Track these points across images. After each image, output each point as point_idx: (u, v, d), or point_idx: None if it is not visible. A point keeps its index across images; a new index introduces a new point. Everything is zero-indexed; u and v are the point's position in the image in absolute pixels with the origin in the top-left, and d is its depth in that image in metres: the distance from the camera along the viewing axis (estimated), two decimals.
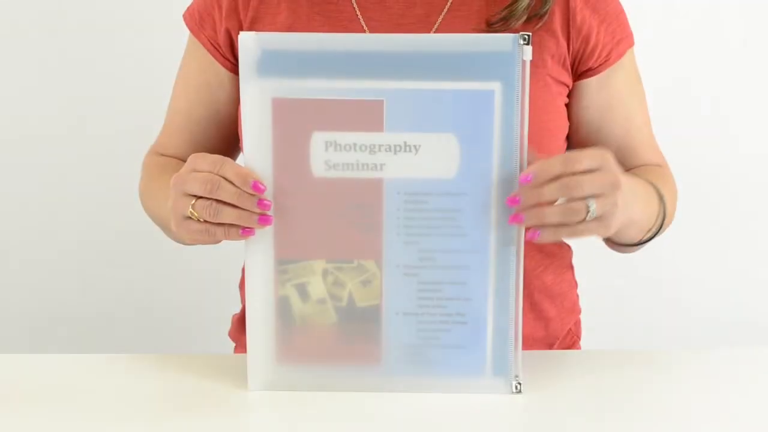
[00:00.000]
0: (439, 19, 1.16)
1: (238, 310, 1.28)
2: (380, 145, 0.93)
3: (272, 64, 0.93)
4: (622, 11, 1.19)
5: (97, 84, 1.92)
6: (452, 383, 0.97)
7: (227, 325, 1.30)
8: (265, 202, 0.94)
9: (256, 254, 0.96)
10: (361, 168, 0.93)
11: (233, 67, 1.21)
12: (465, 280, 0.95)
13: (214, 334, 1.45)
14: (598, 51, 1.16)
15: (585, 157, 0.93)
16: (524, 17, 1.13)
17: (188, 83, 1.24)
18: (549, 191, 0.92)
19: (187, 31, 1.24)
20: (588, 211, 0.92)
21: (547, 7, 1.14)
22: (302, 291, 0.96)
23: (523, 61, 0.92)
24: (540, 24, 1.14)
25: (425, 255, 0.95)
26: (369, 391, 0.96)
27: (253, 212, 0.94)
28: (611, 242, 1.13)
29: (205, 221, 0.95)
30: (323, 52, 0.92)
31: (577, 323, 1.28)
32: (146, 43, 1.89)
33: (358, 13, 1.17)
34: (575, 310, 1.27)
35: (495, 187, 0.93)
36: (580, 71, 1.17)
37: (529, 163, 0.94)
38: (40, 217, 1.96)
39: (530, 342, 1.18)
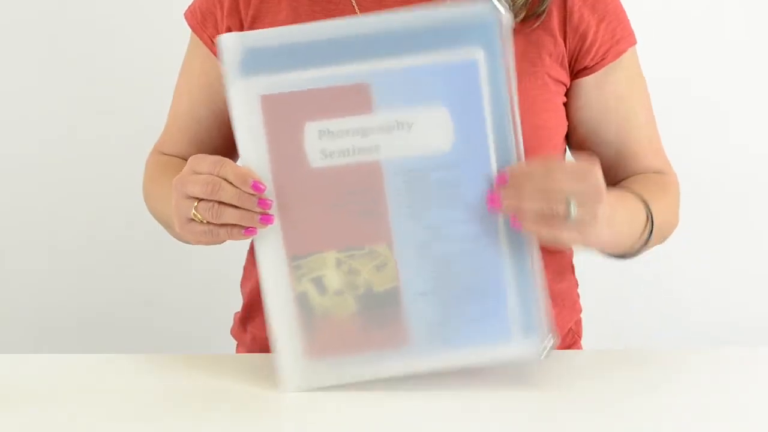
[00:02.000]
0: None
1: (239, 308, 1.28)
2: (372, 128, 0.93)
3: (255, 61, 0.93)
4: (622, 10, 1.19)
5: (98, 84, 1.92)
6: (480, 355, 0.96)
7: (229, 323, 1.30)
8: (266, 201, 0.94)
9: (267, 253, 0.96)
10: (358, 152, 0.93)
11: None
12: (477, 250, 0.94)
13: (216, 333, 1.45)
14: (594, 49, 1.16)
15: (569, 167, 0.93)
16: (522, 14, 1.13)
17: (191, 82, 1.24)
18: (529, 195, 0.92)
19: (188, 31, 1.24)
20: (569, 211, 0.91)
21: (545, 6, 1.14)
22: (319, 284, 0.95)
23: (503, 26, 0.92)
24: (537, 23, 1.14)
25: (433, 230, 0.94)
26: (401, 375, 0.96)
27: (255, 212, 0.94)
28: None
29: (208, 223, 0.95)
30: (303, 42, 0.92)
31: (578, 322, 1.28)
32: (147, 43, 1.89)
33: (359, 12, 1.17)
34: (576, 309, 1.27)
35: (492, 154, 0.93)
36: (577, 69, 1.17)
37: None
38: (40, 216, 1.96)
39: None
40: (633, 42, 1.19)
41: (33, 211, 1.96)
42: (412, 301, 0.95)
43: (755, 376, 1.03)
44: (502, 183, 0.93)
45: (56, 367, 1.07)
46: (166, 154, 1.27)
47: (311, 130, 0.93)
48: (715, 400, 0.96)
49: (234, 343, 1.29)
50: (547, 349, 0.96)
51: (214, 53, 1.21)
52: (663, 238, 1.14)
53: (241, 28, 1.19)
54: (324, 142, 0.93)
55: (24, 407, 0.95)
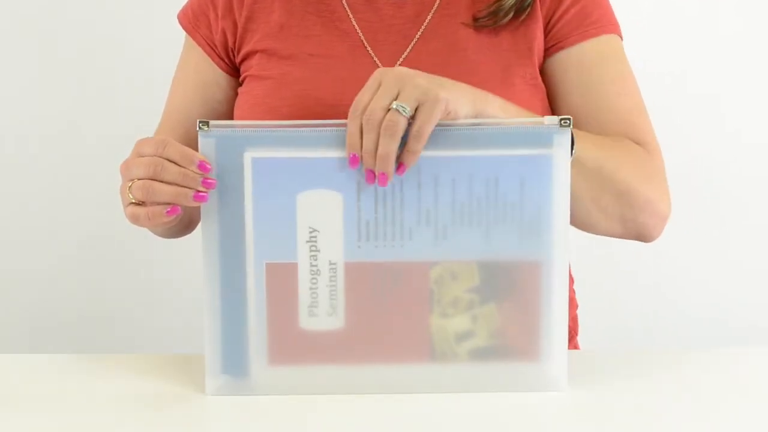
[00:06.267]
0: (428, 18, 1.16)
1: None
2: (312, 265, 0.95)
3: (235, 369, 0.96)
4: (603, 0, 1.19)
5: (98, 84, 1.92)
6: (556, 189, 0.94)
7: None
8: (209, 180, 0.93)
9: (417, 383, 0.96)
10: (336, 280, 0.95)
11: (228, 68, 1.22)
12: (452, 180, 0.93)
13: None
14: (557, 28, 1.16)
15: (361, 96, 0.92)
16: (511, 13, 1.14)
17: (185, 82, 1.25)
18: (367, 141, 0.91)
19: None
20: (400, 110, 0.90)
21: (529, 0, 1.15)
22: (464, 336, 0.96)
23: None
24: (523, 16, 1.15)
25: (422, 219, 0.94)
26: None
27: (189, 188, 0.92)
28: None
29: (144, 203, 0.94)
30: (221, 321, 0.96)
31: (574, 319, 1.28)
32: (145, 43, 1.89)
33: (350, 13, 1.18)
34: (572, 304, 1.27)
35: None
36: (545, 47, 1.17)
37: None
38: (40, 217, 1.96)
39: None
40: (609, 31, 1.18)
41: (33, 212, 1.96)
42: (493, 251, 0.94)
43: (755, 376, 1.02)
44: (356, 163, 0.92)
45: (55, 367, 1.07)
46: None
47: (306, 323, 0.96)
48: (715, 400, 0.96)
49: None
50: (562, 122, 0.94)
51: (208, 54, 1.22)
52: (614, 189, 1.07)
53: (235, 29, 1.20)
54: (320, 312, 0.95)
55: (23, 407, 0.95)
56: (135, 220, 0.96)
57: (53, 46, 1.90)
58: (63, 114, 1.92)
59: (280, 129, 0.93)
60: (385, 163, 0.91)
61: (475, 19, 1.15)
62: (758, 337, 1.97)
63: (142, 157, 0.94)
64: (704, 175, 1.95)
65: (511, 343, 0.96)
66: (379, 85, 0.92)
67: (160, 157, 0.93)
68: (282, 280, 0.95)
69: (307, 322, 0.96)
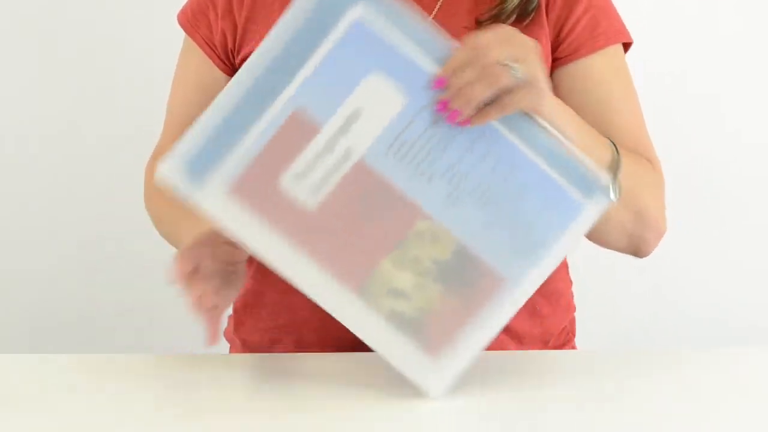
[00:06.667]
0: (429, 19, 1.16)
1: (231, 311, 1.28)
2: (330, 139, 0.91)
3: (199, 168, 0.91)
4: (611, 7, 1.19)
5: (98, 83, 1.92)
6: (568, 236, 0.94)
7: (223, 325, 1.30)
8: None
9: (336, 302, 0.93)
10: (337, 168, 0.92)
11: (228, 69, 1.22)
12: (496, 161, 0.93)
13: None
14: (568, 41, 1.16)
15: (489, 33, 0.90)
16: (513, 16, 1.14)
17: (185, 85, 1.25)
18: (467, 76, 0.89)
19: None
20: (512, 72, 0.88)
21: (533, 5, 1.14)
22: (396, 293, 0.94)
23: None
24: (527, 21, 1.14)
25: (449, 174, 0.92)
26: (512, 314, 0.94)
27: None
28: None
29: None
30: (220, 122, 0.91)
31: (572, 321, 1.28)
32: (145, 43, 1.89)
33: None
34: (570, 308, 1.27)
35: (435, 72, 0.91)
36: (553, 58, 1.17)
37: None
38: (40, 217, 1.96)
39: (525, 339, 1.19)
40: (618, 40, 1.18)
41: (33, 212, 1.96)
42: (479, 244, 0.93)
43: (755, 376, 1.03)
44: (441, 86, 0.90)
45: (55, 367, 1.07)
46: None
47: (287, 181, 0.92)
48: (714, 400, 0.96)
49: (227, 345, 1.29)
50: (612, 188, 0.94)
51: (208, 55, 1.22)
52: (634, 208, 1.09)
53: (235, 30, 1.20)
54: (305, 182, 0.92)
55: (23, 407, 0.95)
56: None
57: (53, 46, 1.90)
58: (63, 114, 1.92)
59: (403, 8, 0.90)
60: (467, 105, 0.89)
61: (477, 22, 1.15)
62: (758, 337, 1.97)
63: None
64: (704, 175, 1.95)
65: (428, 328, 0.94)
66: (507, 41, 0.90)
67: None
68: (295, 133, 0.91)
69: (287, 182, 0.92)
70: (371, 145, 0.92)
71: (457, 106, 0.90)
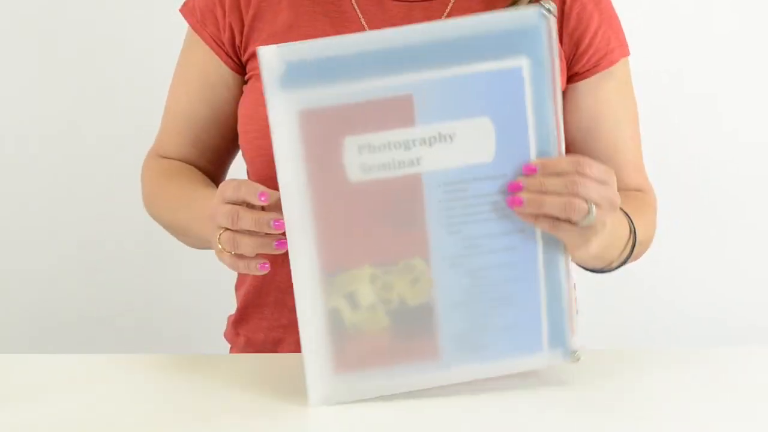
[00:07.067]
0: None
1: (233, 311, 1.28)
2: (414, 140, 0.91)
3: (296, 76, 0.90)
4: (617, 20, 1.20)
5: (98, 84, 1.92)
6: (510, 365, 0.96)
7: (223, 326, 1.30)
8: (279, 222, 0.92)
9: (301, 269, 0.93)
10: (398, 166, 0.91)
11: (236, 66, 1.21)
12: (513, 261, 0.94)
13: (214, 334, 1.45)
14: (588, 56, 1.17)
15: (595, 165, 0.92)
16: None
17: (189, 82, 1.24)
18: (553, 183, 0.91)
19: (184, 29, 1.24)
20: (587, 214, 0.91)
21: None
22: (351, 300, 0.94)
23: (550, 33, 0.91)
24: None
25: (471, 242, 0.93)
26: (429, 387, 0.95)
27: (271, 238, 0.94)
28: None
29: (234, 253, 0.96)
30: (344, 55, 0.90)
31: None
32: (145, 43, 1.89)
33: (359, 15, 1.17)
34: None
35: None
36: (570, 74, 1.17)
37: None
38: (40, 217, 1.96)
39: None
40: (626, 53, 1.20)
41: (33, 212, 1.96)
42: (445, 314, 0.94)
43: (755, 376, 1.03)
44: (528, 174, 0.91)
45: (55, 367, 1.07)
46: (165, 157, 1.26)
47: (351, 144, 0.91)
48: (714, 400, 0.96)
49: (228, 346, 1.29)
50: (576, 355, 0.97)
51: (216, 52, 1.21)
52: (639, 255, 1.14)
53: (242, 28, 1.19)
54: (364, 157, 0.91)
55: (23, 407, 0.95)
56: (235, 269, 0.98)
57: (53, 46, 1.90)
58: (63, 114, 1.92)
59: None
60: (531, 205, 0.91)
61: None
62: (757, 337, 1.97)
63: (223, 204, 0.95)
64: (701, 174, 1.95)
65: (351, 345, 0.94)
66: (606, 182, 0.92)
67: (236, 204, 0.94)
68: (393, 111, 0.91)
69: (349, 144, 0.91)
70: (437, 171, 0.92)
71: (524, 199, 0.91)
